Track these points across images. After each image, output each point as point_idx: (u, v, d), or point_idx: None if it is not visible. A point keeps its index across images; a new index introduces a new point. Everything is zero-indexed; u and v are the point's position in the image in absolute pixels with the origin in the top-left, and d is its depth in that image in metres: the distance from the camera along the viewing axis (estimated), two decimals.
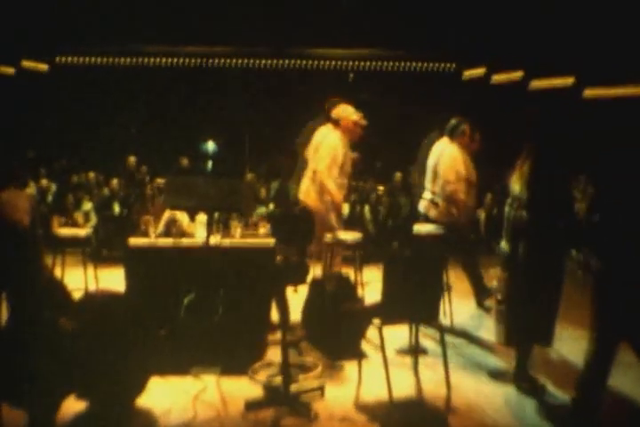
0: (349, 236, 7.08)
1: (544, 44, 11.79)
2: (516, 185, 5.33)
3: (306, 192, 7.24)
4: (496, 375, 5.71)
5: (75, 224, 10.16)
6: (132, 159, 12.45)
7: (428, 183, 7.72)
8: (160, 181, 10.54)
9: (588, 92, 12.84)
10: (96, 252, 9.97)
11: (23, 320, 4.55)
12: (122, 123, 14.76)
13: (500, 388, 5.45)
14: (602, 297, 4.48)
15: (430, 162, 7.68)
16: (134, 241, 5.97)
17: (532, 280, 5.23)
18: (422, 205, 7.77)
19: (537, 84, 13.43)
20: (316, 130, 7.42)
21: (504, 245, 5.45)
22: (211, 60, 14.16)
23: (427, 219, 7.60)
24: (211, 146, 15.21)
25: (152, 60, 14.11)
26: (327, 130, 7.28)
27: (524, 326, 5.32)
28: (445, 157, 7.52)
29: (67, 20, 12.52)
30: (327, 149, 7.09)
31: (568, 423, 4.77)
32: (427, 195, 7.70)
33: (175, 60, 14.15)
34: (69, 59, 14.09)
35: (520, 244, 5.27)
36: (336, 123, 7.26)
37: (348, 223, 9.37)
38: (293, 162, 7.87)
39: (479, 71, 14.19)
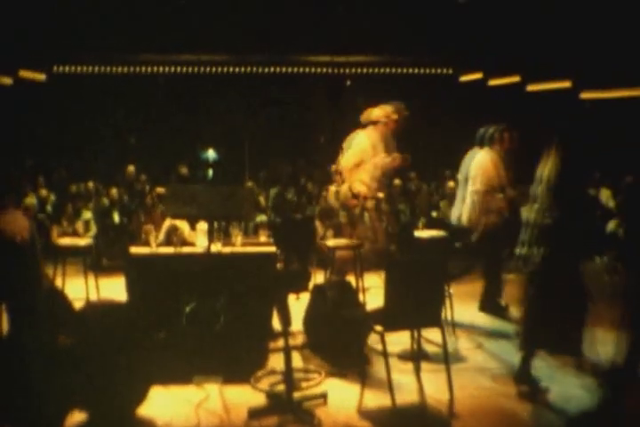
0: (352, 242, 7.10)
1: (540, 48, 11.81)
2: (538, 188, 5.35)
3: (344, 193, 7.34)
4: (499, 380, 5.71)
5: (75, 234, 10.16)
6: (132, 168, 12.47)
7: (459, 191, 7.72)
8: (160, 189, 10.56)
9: (585, 96, 12.86)
10: (96, 261, 9.96)
11: (23, 334, 4.54)
12: (120, 132, 14.77)
13: (502, 392, 5.45)
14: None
15: (462, 170, 7.68)
16: (135, 250, 5.98)
17: (558, 286, 5.24)
18: (454, 215, 7.71)
19: (534, 87, 13.45)
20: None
21: (524, 250, 5.42)
22: (208, 68, 14.17)
23: (458, 227, 7.59)
24: (211, 154, 15.22)
25: (150, 68, 14.11)
26: (357, 133, 7.38)
27: (545, 333, 5.33)
28: (475, 165, 7.52)
29: (64, 29, 12.53)
30: (353, 149, 7.19)
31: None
32: (459, 202, 7.67)
33: (173, 68, 14.15)
34: (67, 68, 14.09)
35: (544, 248, 5.27)
36: (375, 124, 7.36)
37: (348, 230, 9.36)
38: (292, 169, 7.99)
39: (476, 76, 14.20)
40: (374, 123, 7.53)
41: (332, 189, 7.77)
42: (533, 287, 5.35)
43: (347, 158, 7.44)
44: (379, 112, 7.62)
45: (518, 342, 5.53)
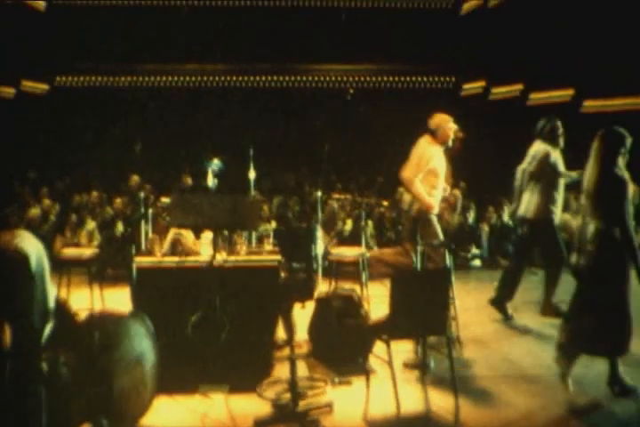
0: (354, 252, 7.10)
1: (542, 57, 11.85)
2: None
3: (409, 201, 7.45)
4: (504, 388, 5.70)
5: (79, 244, 10.18)
6: (136, 178, 12.50)
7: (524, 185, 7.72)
8: (164, 199, 10.56)
9: (588, 104, 12.89)
10: (101, 271, 9.97)
11: (22, 352, 4.52)
12: (124, 141, 14.81)
13: (507, 401, 5.45)
14: None
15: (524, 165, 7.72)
16: (140, 260, 5.99)
17: (604, 289, 5.34)
18: (522, 209, 7.71)
19: (536, 96, 13.49)
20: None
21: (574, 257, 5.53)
22: (212, 78, 14.23)
23: (523, 221, 7.66)
24: (215, 163, 15.21)
25: (154, 78, 14.17)
26: (420, 140, 7.44)
27: (594, 336, 5.38)
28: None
29: (67, 40, 12.59)
30: (415, 155, 7.25)
31: None
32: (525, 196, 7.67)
33: (176, 78, 14.21)
34: (69, 78, 14.15)
35: (591, 253, 5.35)
36: (434, 133, 7.38)
37: (352, 239, 9.39)
38: (295, 178, 8.02)
39: (478, 85, 14.25)
40: (437, 131, 7.52)
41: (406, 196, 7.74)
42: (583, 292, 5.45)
43: (410, 164, 7.43)
44: (441, 120, 7.60)
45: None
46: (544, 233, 7.58)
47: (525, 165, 7.64)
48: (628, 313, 5.34)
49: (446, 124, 7.37)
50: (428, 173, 7.19)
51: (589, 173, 5.41)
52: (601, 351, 5.53)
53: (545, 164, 7.46)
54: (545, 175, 7.50)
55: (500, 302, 7.75)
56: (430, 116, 7.46)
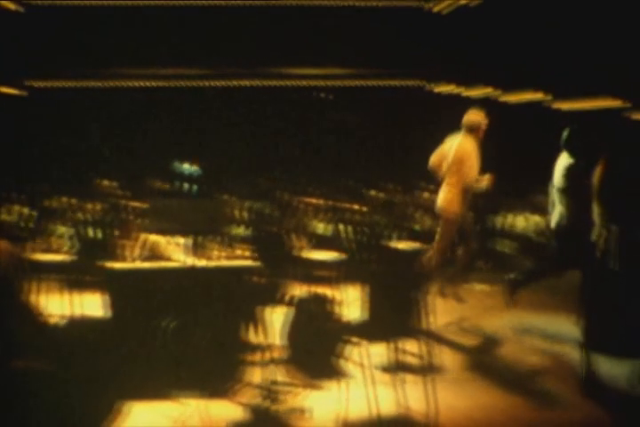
0: (329, 255, 7.11)
1: (515, 59, 11.92)
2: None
3: (449, 201, 7.48)
4: (480, 391, 5.73)
5: (51, 249, 10.09)
6: (112, 183, 12.41)
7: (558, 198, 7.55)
8: (141, 204, 10.52)
9: (561, 106, 13.00)
10: (75, 277, 9.88)
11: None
12: (97, 146, 14.71)
13: (484, 403, 5.47)
14: None
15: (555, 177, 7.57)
16: (115, 266, 5.95)
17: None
18: (554, 220, 7.57)
19: (509, 98, 13.57)
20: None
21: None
22: (187, 82, 14.18)
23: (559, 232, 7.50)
24: (191, 168, 15.17)
25: (127, 82, 14.10)
26: (460, 137, 7.53)
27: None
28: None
29: (41, 43, 12.50)
30: (469, 156, 7.44)
31: None
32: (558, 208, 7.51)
33: (150, 82, 14.15)
34: (42, 82, 14.04)
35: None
36: (470, 129, 7.39)
37: (327, 243, 9.39)
38: (268, 183, 8.03)
39: (450, 87, 14.30)
40: (475, 128, 7.56)
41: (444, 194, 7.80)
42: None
43: (471, 167, 7.47)
44: (480, 116, 7.64)
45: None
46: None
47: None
48: None
49: (484, 120, 7.47)
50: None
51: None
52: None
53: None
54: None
55: (516, 284, 7.71)
56: (465, 112, 7.51)
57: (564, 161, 7.27)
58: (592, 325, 5.63)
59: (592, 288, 5.66)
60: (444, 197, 7.72)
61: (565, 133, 7.30)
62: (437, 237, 7.90)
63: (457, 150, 7.56)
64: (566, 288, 8.59)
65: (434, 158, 7.88)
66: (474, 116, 7.61)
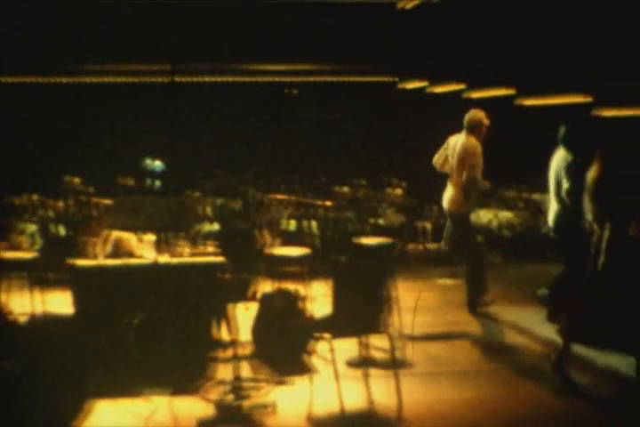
0: (296, 251, 7.14)
1: (482, 57, 12.00)
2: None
3: (454, 201, 7.66)
4: (446, 385, 5.79)
5: (19, 247, 10.01)
6: (77, 180, 12.35)
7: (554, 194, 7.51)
8: (105, 201, 10.47)
9: (527, 102, 13.10)
10: (42, 275, 9.81)
11: None
12: (66, 143, 14.61)
13: (450, 397, 5.52)
14: None
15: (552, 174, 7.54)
16: (81, 263, 5.93)
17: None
18: (551, 219, 7.52)
19: (477, 94, 13.65)
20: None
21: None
22: (155, 78, 14.11)
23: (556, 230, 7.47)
24: (157, 165, 15.13)
25: (94, 78, 14.01)
26: (462, 137, 7.60)
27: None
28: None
29: (6, 40, 12.38)
30: (473, 156, 7.45)
31: None
32: (553, 205, 7.47)
33: (118, 78, 14.07)
34: (9, 79, 13.92)
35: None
36: (472, 129, 7.51)
37: (295, 239, 9.41)
38: (238, 179, 8.01)
39: (420, 84, 14.37)
40: (476, 128, 7.63)
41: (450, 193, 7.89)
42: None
43: (474, 164, 7.53)
44: (482, 115, 7.72)
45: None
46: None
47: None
48: None
49: (485, 120, 7.52)
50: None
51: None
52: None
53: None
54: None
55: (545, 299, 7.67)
56: (466, 112, 7.58)
57: (560, 157, 7.31)
58: (580, 319, 5.76)
59: (583, 284, 5.78)
60: (450, 198, 7.79)
61: (562, 129, 7.33)
62: (445, 235, 7.96)
63: (459, 151, 7.62)
64: (532, 281, 8.72)
65: (437, 159, 7.93)
66: (475, 116, 7.67)
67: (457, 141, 7.74)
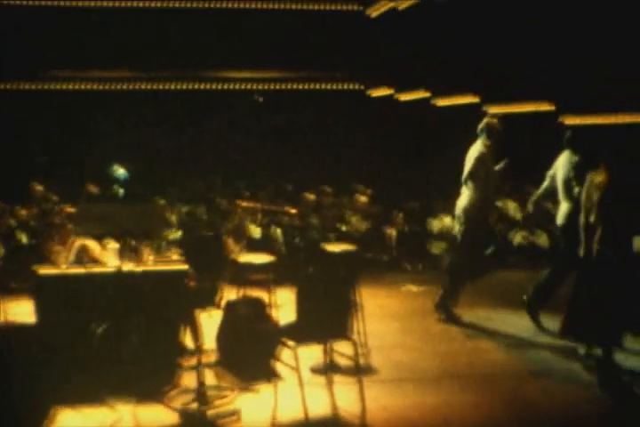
0: (262, 258, 7.14)
1: (448, 65, 12.09)
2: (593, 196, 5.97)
3: (465, 208, 7.75)
4: (410, 391, 5.82)
5: None
6: (39, 187, 12.21)
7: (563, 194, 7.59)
8: (69, 209, 10.37)
9: (491, 110, 13.21)
10: (3, 283, 9.70)
11: None
12: (30, 150, 14.46)
13: (414, 403, 5.55)
14: None
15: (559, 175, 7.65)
16: (44, 271, 5.89)
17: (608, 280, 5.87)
18: (560, 218, 7.59)
19: (442, 102, 13.74)
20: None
21: (581, 250, 6.10)
22: (121, 85, 14.04)
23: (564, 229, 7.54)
24: (121, 172, 15.02)
25: (58, 84, 13.91)
26: (475, 145, 7.76)
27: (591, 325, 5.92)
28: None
29: None
30: (474, 160, 7.60)
31: None
32: (563, 205, 7.57)
33: (82, 85, 13.98)
34: None
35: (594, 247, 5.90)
36: (485, 135, 7.69)
37: (261, 246, 9.42)
38: (203, 186, 7.97)
39: (386, 91, 14.43)
40: (489, 134, 7.74)
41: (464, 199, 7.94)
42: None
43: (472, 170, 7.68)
44: (493, 123, 7.83)
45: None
46: None
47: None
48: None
49: (498, 126, 7.63)
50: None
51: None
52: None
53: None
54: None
55: (533, 307, 7.70)
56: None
57: (565, 159, 7.48)
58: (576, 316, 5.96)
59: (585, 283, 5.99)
60: (461, 204, 7.86)
61: (569, 132, 7.56)
62: (459, 241, 7.99)
63: (468, 157, 7.76)
64: (499, 286, 8.81)
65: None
66: (487, 123, 7.79)
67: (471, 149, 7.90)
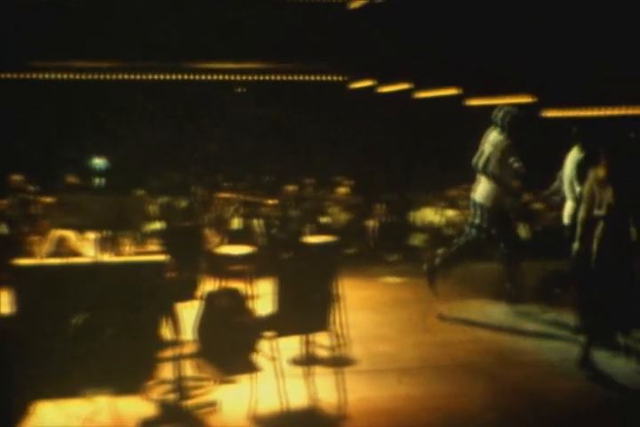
0: (242, 250, 7.11)
1: (429, 57, 12.09)
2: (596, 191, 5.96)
3: (482, 195, 7.98)
4: (390, 382, 5.83)
5: None
6: (18, 177, 12.11)
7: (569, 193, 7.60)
8: (47, 199, 10.31)
9: (472, 103, 13.24)
10: None
11: None
12: (9, 140, 14.34)
13: (393, 394, 5.56)
14: None
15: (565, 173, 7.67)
16: (22, 262, 5.84)
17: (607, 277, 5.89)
18: (566, 216, 7.57)
19: (424, 94, 13.75)
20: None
21: (575, 245, 6.08)
22: (102, 76, 13.95)
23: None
24: (100, 162, 14.93)
25: (39, 75, 13.80)
26: (491, 134, 7.96)
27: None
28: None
29: None
30: (492, 150, 7.83)
31: None
32: (569, 203, 7.57)
33: (63, 75, 13.88)
34: None
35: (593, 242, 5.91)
36: (501, 126, 7.89)
37: (241, 237, 9.39)
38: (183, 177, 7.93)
39: (368, 83, 14.42)
40: (506, 125, 7.93)
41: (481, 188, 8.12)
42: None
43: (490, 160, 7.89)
44: (504, 114, 8.01)
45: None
46: None
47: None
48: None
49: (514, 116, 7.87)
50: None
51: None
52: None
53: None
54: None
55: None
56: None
57: (574, 156, 7.47)
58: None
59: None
60: (479, 192, 8.06)
61: (576, 129, 7.57)
62: (477, 225, 8.13)
63: (485, 147, 7.96)
64: (475, 278, 8.85)
65: (475, 158, 8.08)
66: (502, 114, 7.92)
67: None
